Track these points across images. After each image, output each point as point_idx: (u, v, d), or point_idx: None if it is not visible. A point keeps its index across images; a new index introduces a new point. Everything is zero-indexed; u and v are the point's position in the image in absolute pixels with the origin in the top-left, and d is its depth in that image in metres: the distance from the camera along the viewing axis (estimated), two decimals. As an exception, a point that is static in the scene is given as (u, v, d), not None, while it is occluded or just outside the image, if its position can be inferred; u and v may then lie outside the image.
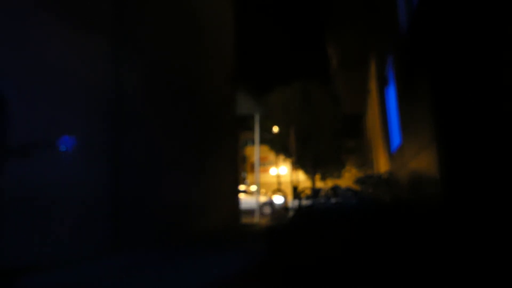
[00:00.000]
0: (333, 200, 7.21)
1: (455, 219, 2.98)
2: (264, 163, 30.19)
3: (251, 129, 16.65)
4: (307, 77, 26.67)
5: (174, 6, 7.76)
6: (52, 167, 4.21)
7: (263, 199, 14.88)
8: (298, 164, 25.58)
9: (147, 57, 6.61)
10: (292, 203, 10.99)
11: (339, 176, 26.68)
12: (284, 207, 9.53)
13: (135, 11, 6.33)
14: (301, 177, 28.09)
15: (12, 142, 2.75)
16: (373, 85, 10.91)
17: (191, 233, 7.64)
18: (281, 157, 26.48)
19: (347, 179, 24.57)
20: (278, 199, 15.07)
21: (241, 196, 14.13)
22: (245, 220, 12.06)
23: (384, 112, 8.63)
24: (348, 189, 7.95)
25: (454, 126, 3.13)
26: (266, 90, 25.57)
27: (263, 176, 29.12)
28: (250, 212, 13.46)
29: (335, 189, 7.81)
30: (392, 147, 7.70)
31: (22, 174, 3.79)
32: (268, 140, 26.04)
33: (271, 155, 28.47)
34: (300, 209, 6.59)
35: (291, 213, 7.78)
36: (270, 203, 14.74)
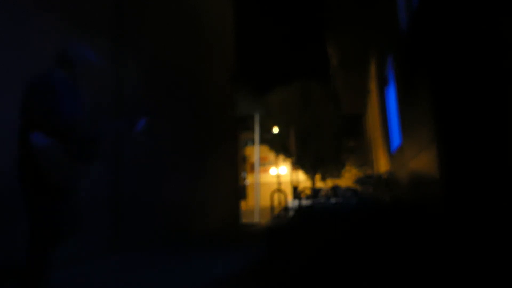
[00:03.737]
0: (333, 200, 7.21)
1: (455, 219, 2.98)
2: (264, 163, 30.18)
3: (251, 129, 16.64)
4: (307, 77, 26.69)
5: (174, 6, 7.76)
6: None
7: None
8: (298, 164, 25.56)
9: (147, 57, 6.61)
10: (292, 203, 10.99)
11: (339, 176, 26.65)
12: (284, 207, 9.53)
13: (135, 11, 6.33)
14: (301, 177, 28.07)
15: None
16: (373, 85, 10.90)
17: (191, 233, 7.64)
18: (281, 157, 26.46)
19: (347, 179, 24.54)
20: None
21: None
22: (245, 220, 12.06)
23: (384, 112, 8.63)
24: (348, 189, 7.95)
25: (454, 126, 3.13)
26: (266, 90, 25.60)
27: (263, 176, 29.10)
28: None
29: (335, 189, 7.81)
30: (392, 147, 7.70)
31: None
32: (268, 140, 26.02)
33: (271, 155, 28.44)
34: (300, 209, 6.59)
35: (291, 213, 7.78)
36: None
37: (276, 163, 27.99)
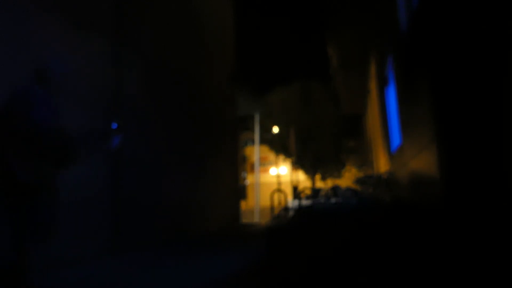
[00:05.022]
0: (333, 200, 7.21)
1: (455, 219, 2.98)
2: (264, 163, 30.16)
3: (251, 129, 16.63)
4: (307, 77, 26.60)
5: (175, 6, 7.76)
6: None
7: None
8: (298, 164, 25.54)
9: (147, 57, 6.61)
10: (292, 203, 10.98)
11: (339, 176, 26.63)
12: (284, 207, 9.53)
13: (135, 11, 6.33)
14: (301, 177, 28.06)
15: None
16: (373, 85, 10.90)
17: (191, 233, 7.64)
18: (281, 157, 26.43)
19: (347, 179, 24.51)
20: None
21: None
22: (245, 220, 12.06)
23: (384, 112, 8.63)
24: (348, 189, 7.95)
25: (454, 126, 3.13)
26: (266, 90, 25.55)
27: (263, 176, 29.09)
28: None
29: (335, 189, 7.81)
30: (392, 147, 7.70)
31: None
32: (268, 140, 25.99)
33: (271, 155, 28.40)
34: (300, 209, 6.58)
35: (291, 213, 7.78)
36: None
37: (276, 163, 27.97)
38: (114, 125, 2.99)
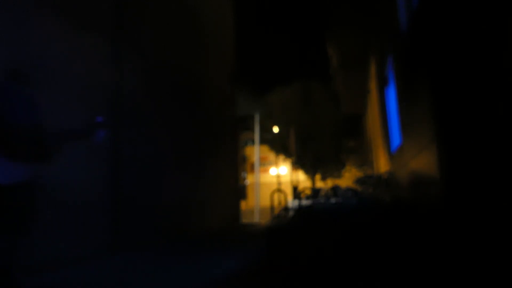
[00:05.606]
0: (333, 200, 7.21)
1: (455, 219, 2.98)
2: (264, 163, 30.16)
3: (251, 129, 16.64)
4: (307, 77, 26.58)
5: (174, 6, 7.76)
6: (51, 167, 4.20)
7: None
8: (298, 164, 25.55)
9: (147, 57, 6.61)
10: (292, 203, 10.98)
11: (339, 176, 26.63)
12: (284, 207, 9.53)
13: (135, 11, 6.33)
14: (301, 177, 28.06)
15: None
16: (373, 85, 10.90)
17: (191, 233, 7.64)
18: (281, 157, 26.43)
19: (347, 179, 24.51)
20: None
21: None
22: (245, 220, 12.05)
23: (384, 112, 8.63)
24: (348, 189, 7.96)
25: (454, 126, 3.13)
26: (266, 90, 25.54)
27: (263, 176, 29.09)
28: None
29: (335, 189, 7.81)
30: (392, 147, 7.70)
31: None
32: (268, 140, 25.99)
33: (271, 155, 28.41)
34: (300, 209, 6.59)
35: (291, 213, 7.78)
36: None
37: (276, 163, 27.98)
38: (99, 119, 2.92)
